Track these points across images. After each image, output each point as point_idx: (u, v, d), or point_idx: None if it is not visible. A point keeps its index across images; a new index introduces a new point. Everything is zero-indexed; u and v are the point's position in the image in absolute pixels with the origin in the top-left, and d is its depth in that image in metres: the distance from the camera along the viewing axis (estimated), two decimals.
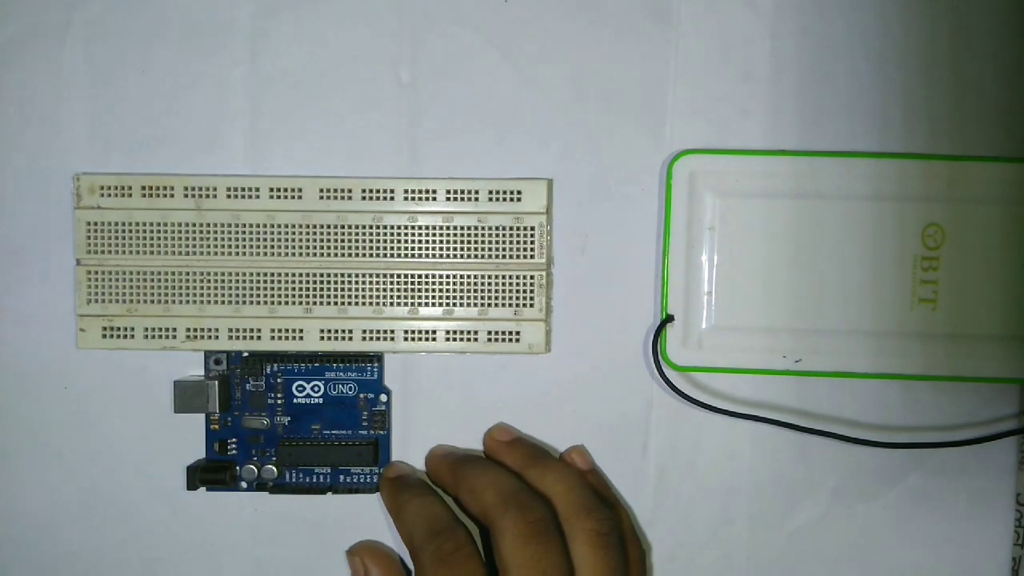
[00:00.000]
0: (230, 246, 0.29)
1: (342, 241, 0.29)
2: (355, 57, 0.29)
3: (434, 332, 0.29)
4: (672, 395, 0.29)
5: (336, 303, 0.29)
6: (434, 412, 0.30)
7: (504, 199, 0.29)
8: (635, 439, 0.30)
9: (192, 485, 0.29)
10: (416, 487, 0.28)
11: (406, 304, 0.29)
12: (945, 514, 0.29)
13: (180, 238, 0.29)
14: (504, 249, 0.29)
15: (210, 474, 0.29)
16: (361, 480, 0.30)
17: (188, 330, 0.29)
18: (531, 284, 0.29)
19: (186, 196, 0.29)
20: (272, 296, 0.29)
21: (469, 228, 0.29)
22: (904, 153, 0.29)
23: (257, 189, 0.29)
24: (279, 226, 0.29)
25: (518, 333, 0.29)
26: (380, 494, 0.29)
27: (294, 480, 0.30)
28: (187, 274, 0.29)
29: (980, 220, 0.28)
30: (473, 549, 0.26)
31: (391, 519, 0.28)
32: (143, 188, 0.29)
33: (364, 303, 0.29)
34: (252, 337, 0.29)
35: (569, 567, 0.25)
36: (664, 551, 0.30)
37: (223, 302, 0.29)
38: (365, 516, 0.30)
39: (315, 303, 0.29)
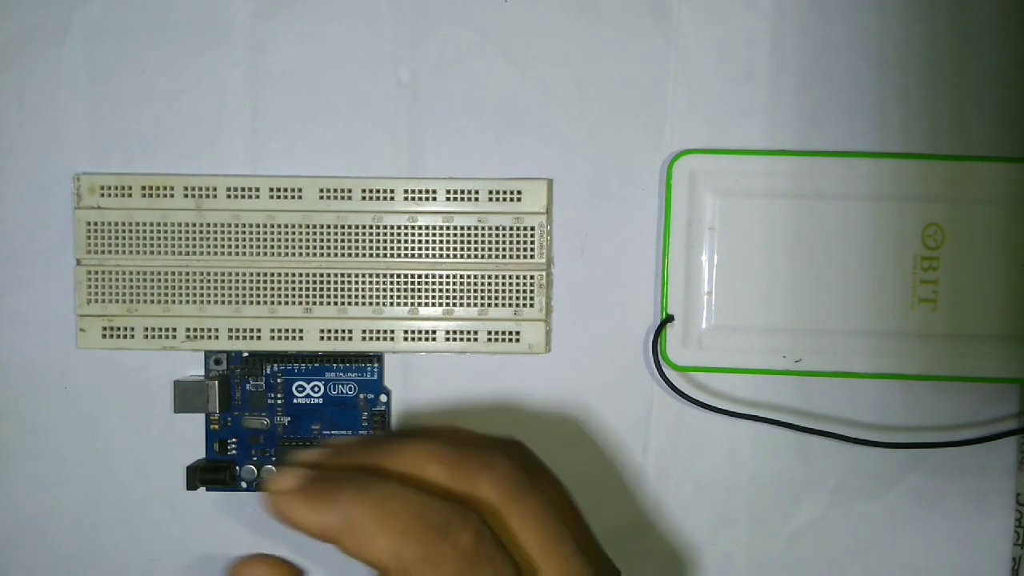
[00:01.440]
0: (230, 246, 0.29)
1: (342, 241, 0.29)
2: (355, 57, 0.29)
3: (434, 332, 0.29)
4: (672, 395, 0.29)
5: (336, 303, 0.29)
6: (434, 412, 0.30)
7: (504, 199, 0.29)
8: (635, 439, 0.30)
9: (192, 485, 0.29)
10: (356, 479, 0.19)
11: (406, 304, 0.29)
12: (945, 514, 0.29)
13: (180, 238, 0.29)
14: (504, 249, 0.29)
15: (210, 474, 0.29)
16: None
17: (188, 330, 0.29)
18: (531, 284, 0.29)
19: (186, 196, 0.29)
20: (272, 296, 0.29)
21: (469, 228, 0.29)
22: (904, 153, 0.29)
23: (257, 189, 0.29)
24: (279, 226, 0.29)
25: (518, 333, 0.29)
26: (286, 519, 0.19)
27: None
28: (187, 274, 0.29)
29: (980, 220, 0.28)
30: (493, 532, 0.19)
31: (340, 547, 0.19)
32: (143, 188, 0.29)
33: (364, 303, 0.29)
34: (252, 337, 0.29)
35: (511, 552, 0.19)
36: (664, 551, 0.30)
37: (223, 302, 0.29)
38: None
39: (315, 303, 0.29)
